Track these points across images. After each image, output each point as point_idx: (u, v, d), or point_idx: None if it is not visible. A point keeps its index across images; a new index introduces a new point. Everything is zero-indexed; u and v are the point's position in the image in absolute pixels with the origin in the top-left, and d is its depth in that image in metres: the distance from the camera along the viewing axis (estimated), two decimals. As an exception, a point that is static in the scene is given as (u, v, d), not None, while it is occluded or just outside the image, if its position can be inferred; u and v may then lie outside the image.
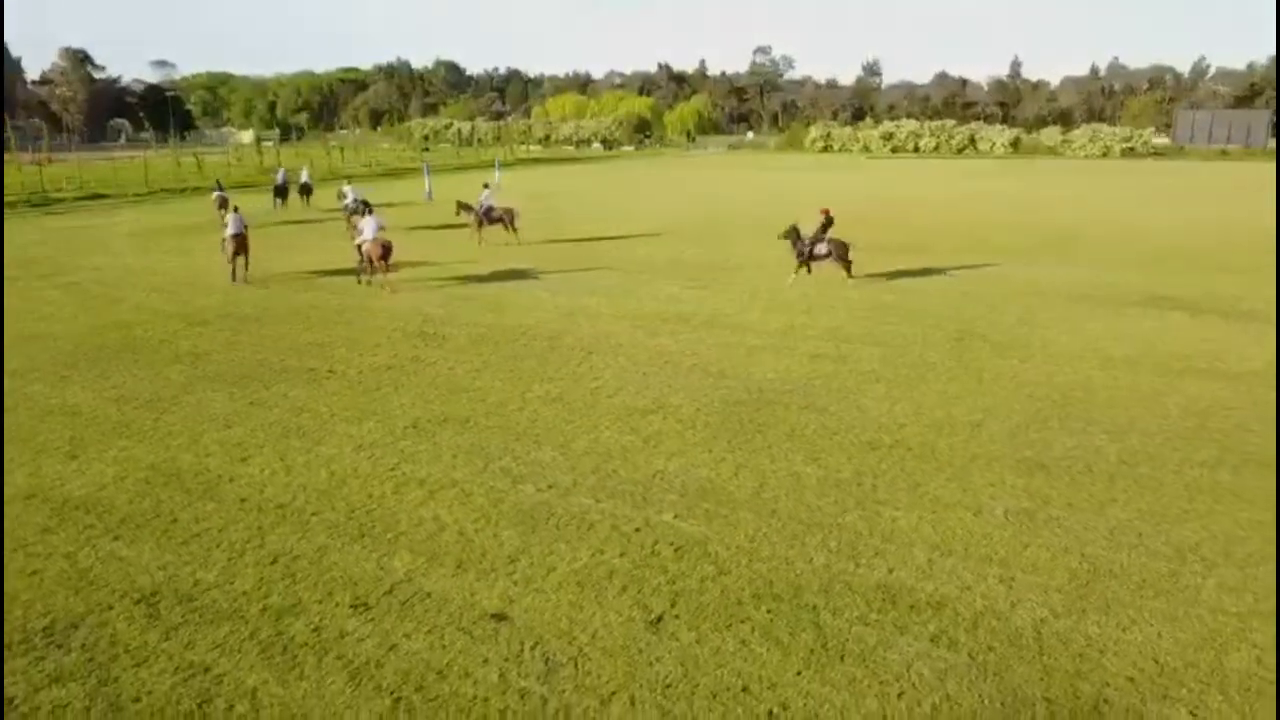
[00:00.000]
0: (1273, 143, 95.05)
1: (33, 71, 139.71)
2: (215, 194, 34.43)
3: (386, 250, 20.53)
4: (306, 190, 41.45)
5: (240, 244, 21.80)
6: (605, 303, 19.48)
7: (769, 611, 7.28)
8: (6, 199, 42.09)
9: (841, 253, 21.41)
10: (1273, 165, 68.31)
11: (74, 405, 12.60)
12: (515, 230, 28.16)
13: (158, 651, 6.74)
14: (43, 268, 24.30)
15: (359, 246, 21.16)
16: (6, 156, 56.92)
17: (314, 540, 8.51)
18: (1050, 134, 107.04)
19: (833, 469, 10.23)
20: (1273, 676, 6.45)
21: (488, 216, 28.17)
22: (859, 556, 8.20)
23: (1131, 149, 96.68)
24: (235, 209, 22.86)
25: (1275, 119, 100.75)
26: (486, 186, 29.13)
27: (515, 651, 6.75)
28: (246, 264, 22.15)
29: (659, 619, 7.18)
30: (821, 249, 21.49)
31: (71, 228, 34.03)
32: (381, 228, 21.12)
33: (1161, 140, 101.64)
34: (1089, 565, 8.03)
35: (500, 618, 7.19)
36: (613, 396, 12.93)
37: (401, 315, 18.29)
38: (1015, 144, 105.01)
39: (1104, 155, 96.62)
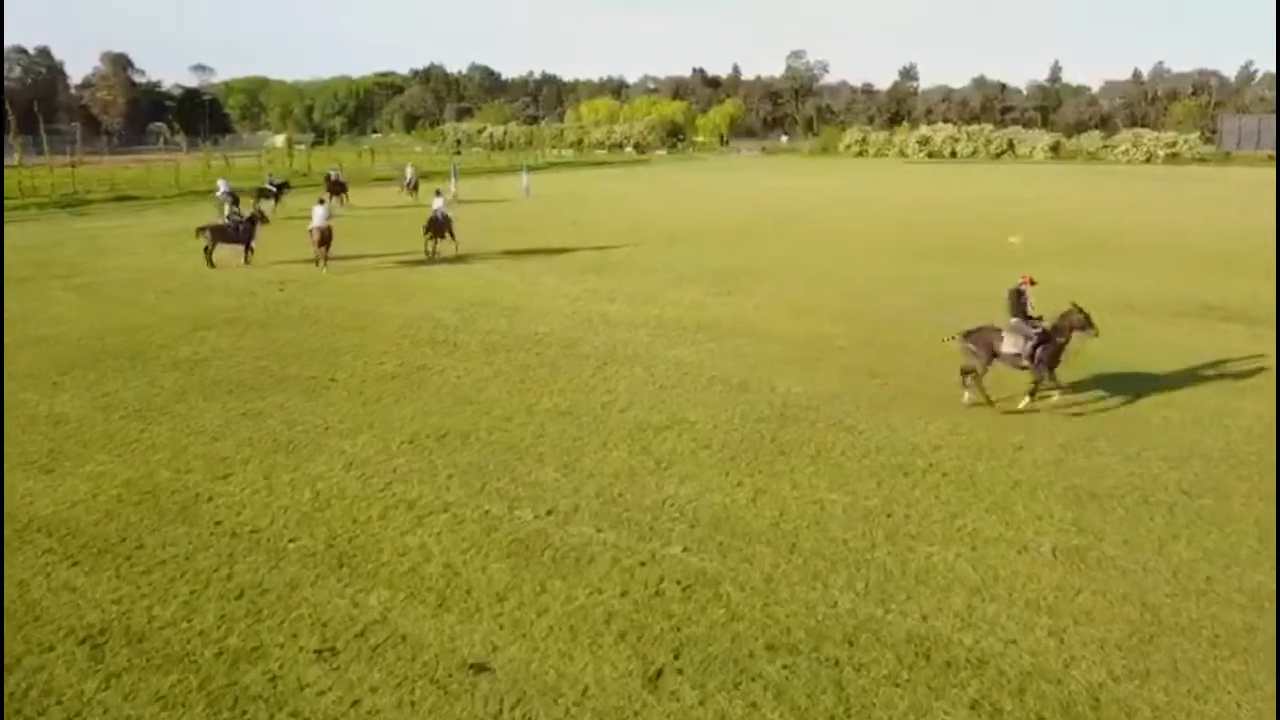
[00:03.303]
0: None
1: (75, 76, 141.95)
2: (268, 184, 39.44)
3: (324, 236, 23.33)
4: (415, 186, 45.17)
5: (211, 233, 24.30)
6: (625, 309, 18.67)
7: (785, 667, 6.41)
8: (38, 201, 42.23)
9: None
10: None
11: (60, 414, 12.01)
12: (453, 239, 25.86)
13: (93, 703, 6.01)
14: (60, 269, 23.97)
15: (310, 232, 23.62)
16: (40, 160, 57.35)
17: (286, 571, 7.77)
18: (1091, 139, 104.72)
19: (861, 496, 9.33)
20: None
21: (432, 226, 25.72)
22: (889, 600, 7.30)
23: (1175, 154, 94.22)
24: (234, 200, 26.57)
25: (1276, 123, 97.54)
26: (439, 194, 27.20)
27: (493, 711, 5.94)
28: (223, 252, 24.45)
29: (659, 673, 6.34)
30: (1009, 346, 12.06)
31: (96, 229, 33.86)
32: (328, 217, 23.74)
33: (1209, 147, 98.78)
34: (1151, 616, 7.07)
35: (480, 668, 6.38)
36: (625, 411, 12.11)
37: (414, 321, 17.61)
38: (1055, 149, 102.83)
39: (1147, 160, 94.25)
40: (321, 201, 25.41)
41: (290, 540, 8.35)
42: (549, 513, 8.91)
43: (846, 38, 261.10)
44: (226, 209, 25.84)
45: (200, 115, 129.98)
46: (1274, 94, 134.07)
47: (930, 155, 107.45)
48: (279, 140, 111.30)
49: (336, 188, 40.72)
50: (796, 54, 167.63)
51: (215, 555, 8.06)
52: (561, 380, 13.58)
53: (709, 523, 8.70)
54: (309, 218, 23.91)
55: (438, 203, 25.98)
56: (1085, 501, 9.22)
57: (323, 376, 13.78)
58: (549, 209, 41.94)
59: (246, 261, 24.17)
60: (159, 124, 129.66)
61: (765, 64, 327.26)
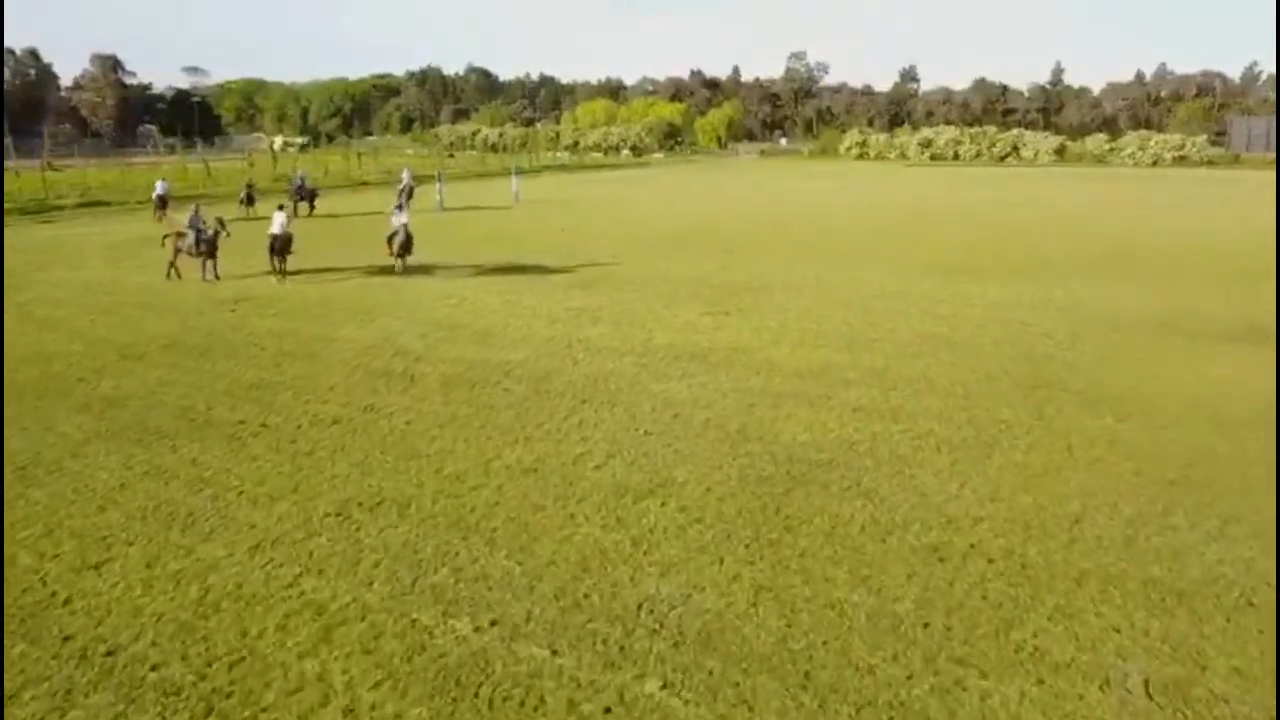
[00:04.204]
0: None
1: (65, 77, 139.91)
2: (243, 192, 38.41)
3: (278, 245, 22.10)
4: (410, 193, 40.94)
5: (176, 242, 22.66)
6: (609, 334, 16.76)
7: None
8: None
9: None
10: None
11: (-72, 472, 10.09)
12: (403, 257, 23.46)
13: None
14: (-1, 284, 22.03)
15: (267, 238, 22.59)
16: (9, 164, 55.52)
17: (133, 722, 5.85)
18: (1097, 141, 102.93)
19: (889, 596, 7.41)
20: None
21: (390, 242, 23.33)
22: (937, 773, 5.38)
23: (1183, 157, 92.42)
24: (195, 210, 23.28)
25: (1276, 126, 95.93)
26: (400, 208, 24.21)
27: None
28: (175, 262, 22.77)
29: None
30: None
31: (56, 237, 31.99)
32: (284, 224, 22.33)
33: (1217, 149, 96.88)
34: (1301, 804, 5.16)
35: None
36: (601, 467, 10.19)
37: (372, 348, 15.70)
38: (1060, 151, 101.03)
39: (1154, 164, 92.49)
40: (281, 207, 23.50)
41: (153, 668, 6.43)
42: (493, 623, 6.99)
43: (846, 39, 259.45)
44: (189, 219, 23.59)
45: (191, 118, 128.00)
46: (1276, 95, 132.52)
47: (933, 158, 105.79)
48: (274, 142, 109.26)
49: (302, 194, 38.50)
50: (797, 55, 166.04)
51: (46, 695, 6.14)
52: (529, 425, 11.66)
53: (697, 639, 6.78)
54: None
55: (401, 217, 23.33)
56: (1172, 604, 7.30)
57: (253, 421, 11.85)
58: (538, 215, 40.11)
59: (205, 277, 22.23)
60: (149, 126, 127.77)
61: (765, 65, 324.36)
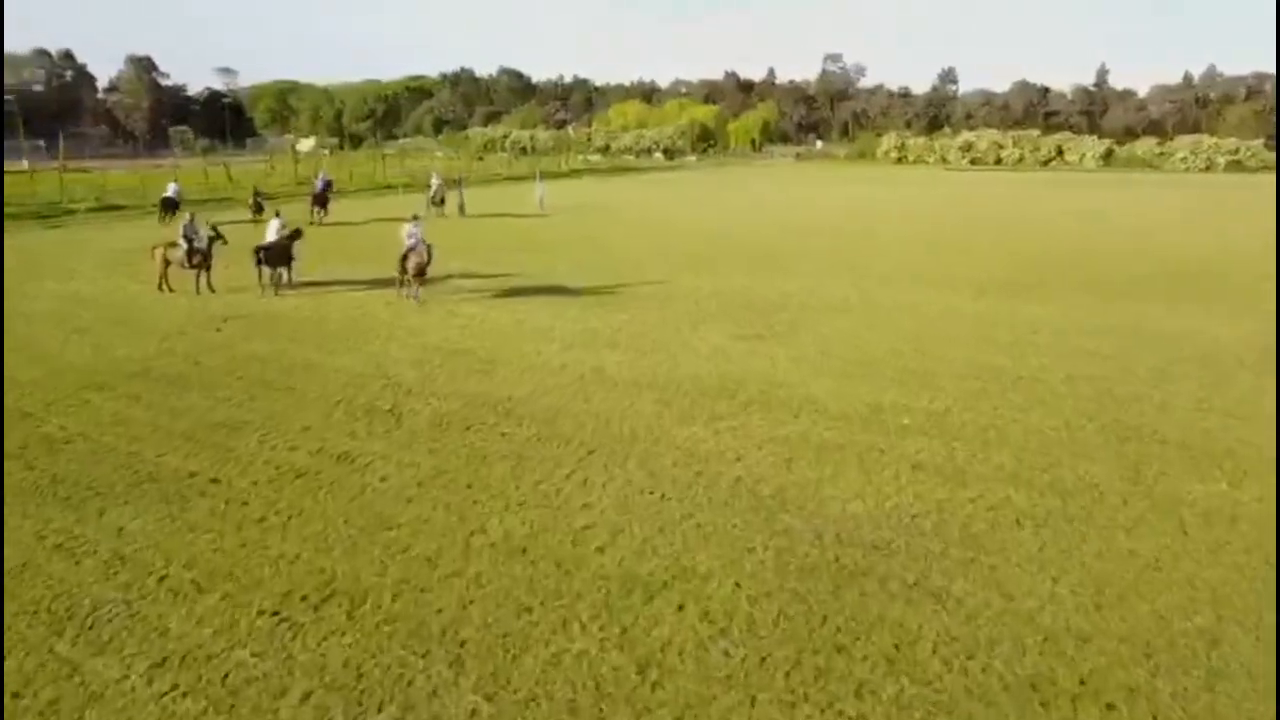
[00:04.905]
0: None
1: (102, 79, 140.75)
2: (251, 200, 37.38)
3: (264, 253, 20.78)
4: (442, 200, 40.55)
5: (164, 254, 21.13)
6: (627, 361, 14.91)
7: None
8: (12, 211, 39.25)
9: None
10: None
11: None
12: (420, 280, 20.23)
13: None
14: (-17, 296, 20.64)
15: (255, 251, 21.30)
16: (22, 167, 54.87)
17: None
18: (1146, 146, 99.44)
19: (979, 768, 5.48)
20: None
21: (404, 262, 20.16)
22: None
23: (1238, 162, 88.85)
24: (190, 218, 22.08)
25: (1276, 127, 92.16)
26: (417, 218, 21.25)
27: None
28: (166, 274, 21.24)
29: None
30: None
31: (60, 242, 30.75)
32: (279, 232, 21.25)
33: (1273, 153, 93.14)
34: None
35: None
36: (605, 549, 8.32)
37: (360, 378, 13.96)
38: (1108, 156, 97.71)
39: (1206, 169, 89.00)
40: (277, 214, 22.13)
41: None
42: (441, 806, 5.17)
43: (883, 41, 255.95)
44: (182, 228, 22.01)
45: (223, 119, 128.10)
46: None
47: (973, 162, 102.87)
48: (304, 145, 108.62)
49: (318, 199, 37.13)
50: (833, 57, 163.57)
51: None
52: (526, 484, 9.83)
53: (718, 845, 4.90)
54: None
55: (415, 231, 20.21)
56: (1376, 790, 5.31)
57: (204, 474, 10.13)
58: (562, 223, 38.39)
59: (198, 291, 20.69)
60: (182, 127, 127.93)
61: (800, 68, 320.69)
